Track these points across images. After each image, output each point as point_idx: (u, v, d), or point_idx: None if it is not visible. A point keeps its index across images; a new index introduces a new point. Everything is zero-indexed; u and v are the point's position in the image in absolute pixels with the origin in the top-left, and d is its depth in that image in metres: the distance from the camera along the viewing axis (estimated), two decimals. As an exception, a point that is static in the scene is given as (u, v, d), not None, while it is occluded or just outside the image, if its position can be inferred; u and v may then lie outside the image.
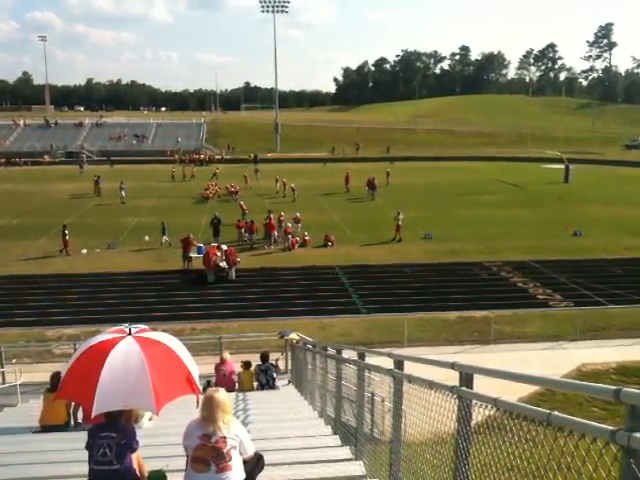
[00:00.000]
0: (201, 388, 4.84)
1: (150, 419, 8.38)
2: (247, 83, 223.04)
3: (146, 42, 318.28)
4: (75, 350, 5.19)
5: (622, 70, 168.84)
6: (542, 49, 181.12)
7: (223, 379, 13.11)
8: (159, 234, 31.75)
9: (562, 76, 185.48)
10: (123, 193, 46.70)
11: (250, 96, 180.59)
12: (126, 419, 4.48)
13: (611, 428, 2.30)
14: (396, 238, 33.03)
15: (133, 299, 23.86)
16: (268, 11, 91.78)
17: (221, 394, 4.56)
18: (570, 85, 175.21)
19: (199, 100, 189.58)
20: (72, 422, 9.98)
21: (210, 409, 4.42)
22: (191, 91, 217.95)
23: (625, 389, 2.31)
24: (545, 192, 50.25)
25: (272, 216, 33.21)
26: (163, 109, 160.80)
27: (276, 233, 32.63)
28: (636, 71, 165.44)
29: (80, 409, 9.36)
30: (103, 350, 4.28)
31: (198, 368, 4.65)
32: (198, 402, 4.54)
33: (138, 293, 24.69)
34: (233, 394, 11.79)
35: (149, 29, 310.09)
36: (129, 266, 28.31)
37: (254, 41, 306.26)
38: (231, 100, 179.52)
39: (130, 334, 4.46)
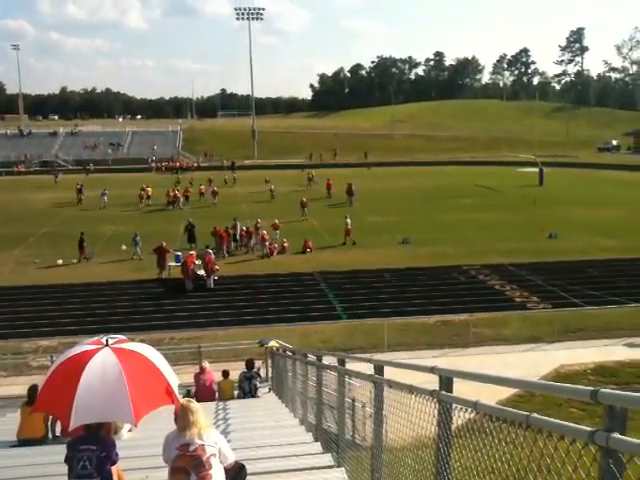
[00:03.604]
0: (181, 398, 4.80)
1: (129, 430, 8.30)
2: (223, 90, 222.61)
3: (121, 49, 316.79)
4: (52, 362, 5.13)
5: (594, 74, 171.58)
6: (515, 54, 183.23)
7: (203, 388, 13.03)
8: (132, 245, 31.31)
9: (535, 80, 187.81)
10: (105, 199, 47.33)
11: (227, 103, 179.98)
12: (106, 431, 4.43)
13: (590, 429, 2.32)
14: (346, 242, 33.43)
15: (111, 309, 23.63)
16: (243, 18, 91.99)
17: (195, 403, 4.54)
18: (543, 89, 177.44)
19: (175, 107, 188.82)
20: (50, 435, 9.84)
21: (186, 418, 4.39)
22: (167, 98, 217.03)
23: (602, 390, 2.33)
24: (521, 195, 50.78)
25: (238, 224, 33.33)
26: (139, 117, 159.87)
27: (253, 240, 32.60)
28: (608, 75, 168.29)
29: (58, 422, 9.23)
30: (80, 362, 4.22)
31: (177, 378, 4.61)
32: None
33: (116, 303, 24.44)
34: (213, 403, 11.72)
35: (124, 36, 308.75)
36: (106, 276, 28.03)
37: (230, 48, 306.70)
38: (207, 107, 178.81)
39: (107, 345, 4.41)
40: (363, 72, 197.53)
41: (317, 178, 57.11)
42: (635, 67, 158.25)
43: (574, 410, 13.44)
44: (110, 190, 49.88)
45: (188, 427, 4.36)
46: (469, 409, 3.41)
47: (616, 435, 2.21)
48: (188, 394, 11.82)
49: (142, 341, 10.34)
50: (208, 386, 13.23)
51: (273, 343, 16.52)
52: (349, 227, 33.87)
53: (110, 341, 4.47)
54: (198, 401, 5.12)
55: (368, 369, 5.75)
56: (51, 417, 9.52)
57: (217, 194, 48.91)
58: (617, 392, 2.30)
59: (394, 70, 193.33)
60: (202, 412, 4.52)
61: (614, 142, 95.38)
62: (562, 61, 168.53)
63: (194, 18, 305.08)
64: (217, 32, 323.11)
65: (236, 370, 14.09)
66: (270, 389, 14.86)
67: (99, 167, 74.34)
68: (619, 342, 19.47)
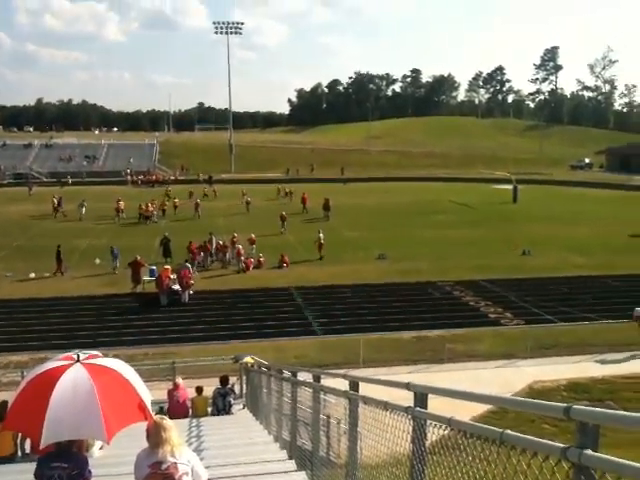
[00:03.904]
0: (154, 414, 4.74)
1: (101, 448, 8.16)
2: (201, 103, 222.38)
3: (98, 62, 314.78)
4: (23, 378, 5.03)
5: (568, 92, 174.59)
6: (491, 72, 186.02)
7: (176, 405, 12.89)
8: (110, 259, 30.94)
9: (510, 98, 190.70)
10: (83, 210, 47.44)
11: (204, 117, 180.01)
12: (77, 448, 4.35)
13: (562, 446, 2.34)
14: (320, 256, 33.61)
15: (83, 324, 23.30)
16: (222, 33, 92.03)
17: (167, 420, 4.48)
18: (518, 107, 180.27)
19: (152, 120, 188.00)
20: (20, 453, 9.63)
21: (159, 436, 4.33)
22: (144, 111, 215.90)
23: (575, 406, 2.35)
24: (495, 212, 51.31)
25: (214, 238, 33.25)
26: (115, 129, 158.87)
27: (229, 255, 32.47)
28: (581, 93, 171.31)
29: (28, 439, 9.05)
30: (51, 378, 4.15)
31: (151, 394, 4.55)
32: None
33: (88, 318, 24.11)
34: (186, 420, 11.58)
35: (101, 48, 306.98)
36: (79, 290, 27.66)
37: (208, 62, 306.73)
38: (185, 120, 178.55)
39: (79, 361, 4.34)
40: (341, 88, 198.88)
41: (283, 193, 58.77)
42: (607, 86, 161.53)
43: (547, 426, 13.53)
44: (86, 203, 49.50)
45: (160, 445, 4.29)
46: (443, 425, 3.41)
47: (588, 452, 2.23)
48: (161, 411, 11.68)
49: (115, 356, 10.19)
50: (181, 403, 13.08)
51: (248, 359, 16.41)
52: (322, 241, 33.98)
53: (82, 356, 4.41)
54: (171, 418, 5.06)
55: (343, 385, 5.73)
56: (20, 434, 9.33)
57: (199, 206, 49.12)
58: (589, 408, 2.33)
59: (371, 86, 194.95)
60: (175, 429, 4.46)
61: (587, 160, 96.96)
62: (536, 79, 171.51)
63: (172, 31, 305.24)
64: (195, 46, 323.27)
65: (210, 386, 13.95)
66: (244, 406, 14.74)
67: (74, 180, 73.54)
68: (591, 358, 19.69)
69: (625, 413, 2.23)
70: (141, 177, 76.18)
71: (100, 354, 4.65)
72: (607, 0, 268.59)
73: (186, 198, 53.64)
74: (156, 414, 7.83)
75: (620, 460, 2.06)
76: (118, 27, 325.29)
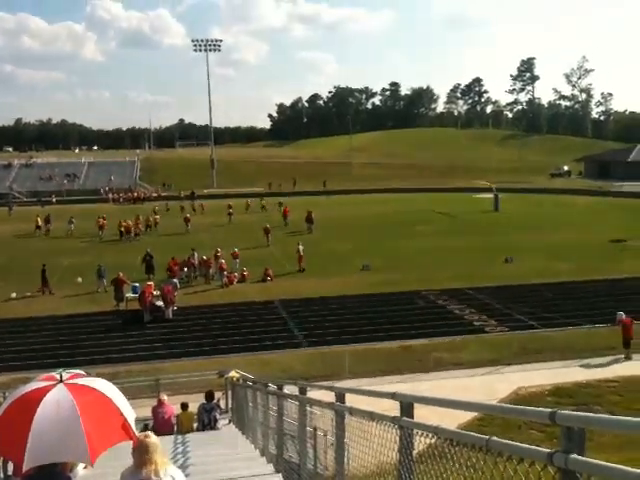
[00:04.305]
0: (138, 433, 4.67)
1: (85, 467, 8.03)
2: (181, 120, 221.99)
3: (77, 81, 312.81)
4: (4, 400, 4.94)
5: (545, 102, 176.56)
6: (469, 83, 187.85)
7: (161, 422, 12.75)
8: (96, 277, 30.51)
9: (488, 109, 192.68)
10: (72, 227, 48.10)
11: (185, 133, 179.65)
12: (61, 468, 4.28)
13: (548, 451, 2.33)
14: (300, 269, 33.63)
15: (66, 342, 23.06)
16: (201, 50, 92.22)
17: (152, 438, 4.41)
18: (496, 117, 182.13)
19: (132, 138, 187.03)
20: (2, 475, 9.45)
21: (143, 454, 4.26)
22: (124, 129, 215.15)
23: (560, 411, 2.35)
24: (477, 221, 51.64)
25: (196, 254, 33.08)
26: (95, 148, 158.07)
27: (212, 270, 32.32)
28: (558, 102, 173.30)
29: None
30: (33, 399, 4.08)
31: (135, 412, 4.48)
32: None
33: (71, 336, 23.86)
34: (172, 437, 11.46)
35: (80, 68, 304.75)
36: (62, 309, 27.38)
37: (188, 79, 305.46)
38: (165, 137, 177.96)
39: (62, 381, 4.28)
40: (321, 102, 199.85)
41: (270, 206, 59.36)
42: (584, 95, 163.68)
43: (534, 432, 13.57)
44: (63, 222, 49.46)
45: (144, 463, 4.23)
46: (430, 434, 3.40)
47: (574, 456, 2.22)
48: (146, 428, 11.54)
49: (98, 375, 10.07)
50: (166, 419, 12.95)
51: (233, 373, 16.31)
52: (301, 254, 33.99)
53: (65, 376, 4.34)
54: (156, 435, 4.99)
55: (329, 397, 5.70)
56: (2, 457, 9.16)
57: (189, 221, 49.97)
58: (574, 413, 2.32)
59: (351, 100, 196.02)
60: (160, 447, 4.40)
61: (565, 168, 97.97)
62: (514, 90, 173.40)
63: (151, 50, 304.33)
64: (174, 63, 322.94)
65: (195, 402, 13.83)
66: (230, 420, 14.63)
67: (55, 199, 72.96)
68: (575, 363, 19.81)
69: (610, 417, 2.23)
70: (122, 194, 75.78)
71: (83, 373, 4.58)
72: (582, 11, 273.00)
73: (165, 212, 53.73)
74: (141, 432, 7.75)
75: (605, 463, 2.06)
76: (96, 46, 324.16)
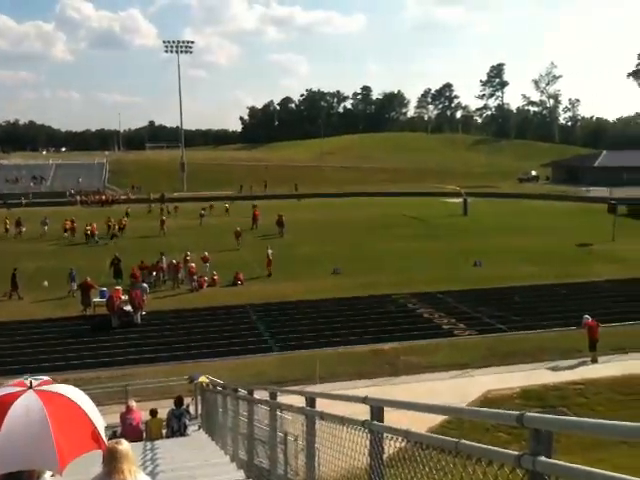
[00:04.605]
0: (107, 440, 4.60)
1: (52, 476, 7.89)
2: (152, 122, 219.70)
3: (45, 81, 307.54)
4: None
5: (514, 107, 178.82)
6: (439, 88, 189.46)
7: (130, 428, 12.59)
8: (67, 281, 30.08)
9: (458, 114, 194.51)
10: (46, 228, 47.71)
11: (155, 135, 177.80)
12: (27, 476, 4.20)
13: (516, 453, 2.35)
14: (268, 273, 33.53)
15: (33, 348, 22.64)
16: (172, 51, 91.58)
17: (124, 445, 4.34)
18: (466, 122, 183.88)
19: (101, 140, 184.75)
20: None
21: (113, 462, 4.20)
22: (93, 131, 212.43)
23: (528, 414, 2.37)
24: (446, 225, 52.09)
25: (164, 258, 32.82)
26: (63, 149, 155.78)
27: (181, 274, 32.02)
28: (527, 108, 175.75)
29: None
30: (1, 406, 4.00)
31: (103, 419, 4.42)
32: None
33: (38, 342, 23.45)
34: (141, 444, 11.32)
35: (49, 68, 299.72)
36: (28, 313, 26.88)
37: (158, 80, 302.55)
38: (135, 139, 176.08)
39: (31, 387, 4.19)
40: (292, 105, 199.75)
41: (234, 209, 60.13)
42: (552, 101, 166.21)
43: (502, 434, 13.71)
44: (32, 224, 48.80)
45: (114, 471, 4.17)
46: (400, 438, 3.41)
47: (542, 458, 2.25)
48: (114, 435, 11.38)
49: (66, 381, 9.91)
50: (135, 426, 12.79)
51: (203, 379, 16.17)
52: (270, 258, 33.89)
53: (34, 383, 4.26)
54: (124, 441, 4.92)
55: (300, 401, 5.69)
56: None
57: (165, 223, 49.85)
58: (542, 415, 2.35)
59: (323, 103, 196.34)
60: (131, 454, 4.34)
61: (533, 173, 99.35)
62: (483, 95, 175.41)
63: (121, 50, 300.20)
64: (145, 64, 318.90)
65: (165, 408, 13.70)
66: (200, 426, 14.51)
67: (18, 201, 71.69)
68: (543, 366, 20.07)
69: (576, 419, 2.26)
70: (90, 197, 74.82)
71: (51, 380, 4.51)
72: (550, 18, 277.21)
73: (146, 214, 53.71)
74: (109, 439, 7.64)
75: (572, 465, 2.08)
76: (66, 46, 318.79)
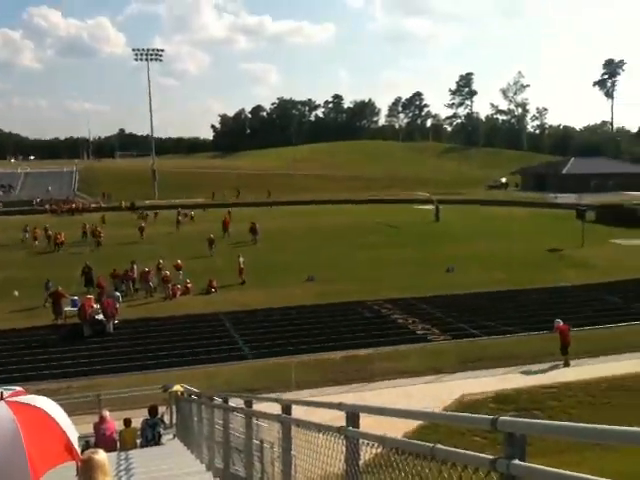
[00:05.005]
0: (80, 450, 4.55)
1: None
2: (122, 130, 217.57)
3: (13, 89, 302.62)
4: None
5: (483, 116, 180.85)
6: (409, 97, 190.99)
7: (103, 439, 12.44)
8: (43, 291, 29.25)
9: (429, 123, 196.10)
10: (27, 235, 48.68)
11: (125, 143, 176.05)
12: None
13: (491, 457, 2.39)
14: (240, 281, 33.35)
15: (4, 359, 22.24)
16: (142, 59, 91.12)
17: (100, 455, 4.30)
18: (436, 131, 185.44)
19: (71, 148, 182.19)
20: None
21: (88, 472, 4.15)
22: (62, 139, 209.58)
23: (502, 418, 2.41)
24: (419, 232, 52.42)
25: (135, 266, 32.53)
26: (32, 158, 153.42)
27: (155, 282, 31.73)
28: (495, 117, 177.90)
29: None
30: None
31: (76, 429, 4.38)
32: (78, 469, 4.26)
33: (8, 352, 23.04)
34: (114, 454, 11.19)
35: (16, 76, 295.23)
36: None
37: (128, 88, 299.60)
38: (105, 148, 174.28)
39: (2, 399, 4.14)
40: (264, 113, 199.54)
41: (199, 217, 60.81)
42: (520, 109, 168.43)
43: (477, 438, 13.80)
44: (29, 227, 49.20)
45: (88, 482, 4.12)
46: (376, 444, 3.43)
47: (516, 462, 2.29)
48: (87, 445, 11.24)
49: (38, 391, 9.76)
50: (109, 436, 12.64)
51: (177, 387, 16.05)
52: (242, 266, 33.71)
53: (5, 394, 4.21)
54: (98, 452, 4.86)
55: (276, 409, 5.69)
56: None
57: (144, 230, 50.07)
58: (515, 419, 2.40)
59: (294, 112, 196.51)
60: (107, 465, 4.29)
61: (502, 180, 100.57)
62: (453, 104, 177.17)
63: (90, 58, 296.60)
64: (114, 72, 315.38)
65: (139, 418, 13.55)
66: (175, 435, 14.38)
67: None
68: (516, 370, 20.27)
69: (550, 422, 2.31)
70: (59, 205, 73.85)
71: (23, 390, 4.45)
72: (518, 28, 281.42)
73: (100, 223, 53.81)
74: (82, 450, 7.55)
75: (546, 468, 2.12)
76: (34, 54, 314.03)
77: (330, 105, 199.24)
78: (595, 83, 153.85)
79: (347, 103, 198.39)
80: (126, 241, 47.47)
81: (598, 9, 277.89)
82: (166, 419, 15.39)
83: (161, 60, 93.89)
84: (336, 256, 40.87)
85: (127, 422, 13.32)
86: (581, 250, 41.46)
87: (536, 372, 20.08)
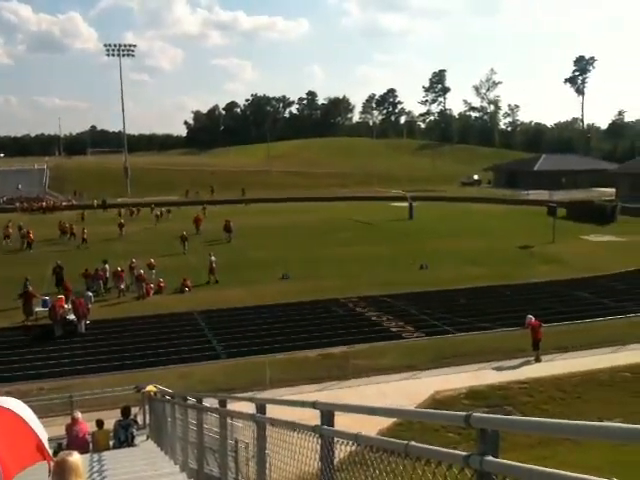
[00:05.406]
0: (51, 452, 4.50)
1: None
2: (93, 127, 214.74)
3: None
4: None
5: (456, 113, 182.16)
6: (383, 94, 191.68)
7: (75, 440, 12.28)
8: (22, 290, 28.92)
9: (403, 119, 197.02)
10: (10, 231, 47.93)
11: (97, 140, 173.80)
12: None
13: (464, 454, 2.40)
14: (211, 281, 33.14)
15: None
16: (113, 55, 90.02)
17: (74, 457, 4.23)
18: (410, 128, 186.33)
19: (42, 145, 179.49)
20: None
21: (62, 474, 4.09)
22: (32, 136, 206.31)
23: (475, 414, 2.43)
24: (393, 228, 52.69)
25: (107, 266, 32.21)
26: (1, 155, 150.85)
27: (127, 281, 31.40)
28: (468, 114, 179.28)
29: None
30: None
31: (48, 431, 4.32)
32: (50, 469, 4.19)
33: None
34: (87, 455, 11.06)
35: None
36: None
37: (100, 84, 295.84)
38: (77, 144, 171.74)
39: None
40: (238, 110, 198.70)
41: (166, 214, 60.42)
42: (492, 106, 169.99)
43: (451, 434, 13.93)
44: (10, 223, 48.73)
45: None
46: (351, 442, 3.44)
47: (489, 458, 2.30)
48: (60, 447, 11.10)
49: (8, 393, 9.59)
50: (81, 437, 12.49)
51: (150, 388, 15.91)
52: (213, 265, 33.45)
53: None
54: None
55: (251, 408, 5.67)
56: None
57: (124, 227, 50.13)
58: (488, 415, 2.41)
59: (269, 108, 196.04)
60: (80, 467, 4.23)
61: (475, 177, 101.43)
62: (426, 101, 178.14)
63: (61, 54, 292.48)
64: (86, 68, 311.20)
65: (111, 419, 13.41)
66: (148, 436, 14.26)
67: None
68: (489, 366, 20.49)
69: (521, 418, 2.33)
70: (30, 203, 72.77)
71: (-8, 393, 4.38)
72: (489, 26, 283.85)
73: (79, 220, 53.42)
74: (54, 452, 7.46)
75: (518, 464, 2.14)
76: (4, 50, 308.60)
77: (304, 102, 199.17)
78: (566, 80, 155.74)
79: (321, 99, 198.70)
80: (105, 238, 47.05)
81: (569, 8, 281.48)
82: (139, 420, 15.26)
83: (133, 55, 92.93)
84: (311, 254, 40.88)
85: (99, 423, 13.17)
86: (552, 246, 42.04)
87: (508, 368, 20.32)
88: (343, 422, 3.91)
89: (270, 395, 16.76)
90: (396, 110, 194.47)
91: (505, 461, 2.23)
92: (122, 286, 30.95)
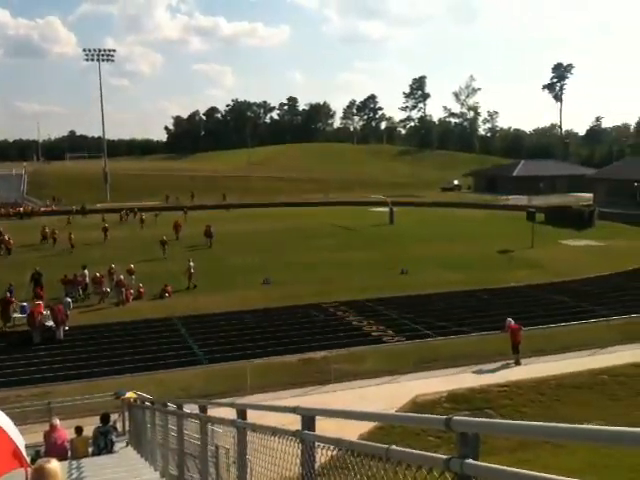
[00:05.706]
0: (29, 460, 4.43)
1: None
2: (72, 132, 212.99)
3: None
4: None
5: (436, 119, 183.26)
6: (364, 100, 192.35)
7: (54, 447, 12.14)
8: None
9: (383, 125, 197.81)
10: None
11: (76, 145, 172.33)
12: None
13: (445, 457, 2.40)
14: (189, 286, 32.98)
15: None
16: (92, 59, 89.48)
17: (52, 464, 4.18)
18: (390, 133, 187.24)
19: (20, 150, 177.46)
20: None
21: (39, 481, 4.04)
22: (10, 141, 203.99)
23: (455, 418, 2.43)
24: (373, 234, 52.83)
25: (87, 272, 31.87)
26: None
27: (106, 287, 31.09)
28: (448, 119, 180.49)
29: None
30: None
31: (26, 438, 4.26)
32: (27, 476, 4.13)
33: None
34: (66, 463, 10.94)
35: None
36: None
37: (79, 89, 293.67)
38: (55, 150, 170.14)
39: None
40: (219, 115, 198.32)
41: (150, 219, 59.62)
42: (472, 112, 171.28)
43: (431, 438, 13.97)
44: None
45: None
46: (332, 446, 3.43)
47: (470, 461, 2.31)
48: (37, 454, 10.95)
49: (-17, 401, 9.47)
50: (60, 444, 12.34)
51: (130, 394, 15.78)
52: (192, 271, 33.25)
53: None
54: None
55: (232, 414, 5.64)
56: None
57: (108, 230, 49.91)
58: (468, 419, 2.42)
59: (249, 114, 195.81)
60: (59, 474, 4.18)
61: (455, 182, 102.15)
62: (406, 107, 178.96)
63: (40, 59, 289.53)
64: (65, 73, 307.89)
65: (91, 426, 13.28)
66: (128, 443, 14.13)
67: None
68: (469, 370, 20.60)
69: (501, 421, 2.34)
70: (7, 209, 71.96)
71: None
72: (469, 33, 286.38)
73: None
74: (32, 459, 7.35)
75: (499, 467, 2.14)
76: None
77: (285, 107, 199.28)
78: (544, 86, 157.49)
79: (302, 105, 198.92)
80: (87, 243, 46.64)
81: (547, 16, 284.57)
82: (119, 426, 15.13)
83: (113, 60, 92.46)
84: (293, 259, 40.84)
85: (78, 430, 13.03)
86: (531, 251, 42.44)
87: (488, 371, 20.45)
88: (324, 426, 3.91)
89: (251, 400, 16.69)
90: (377, 116, 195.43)
91: (485, 464, 2.24)
92: (105, 289, 30.68)
